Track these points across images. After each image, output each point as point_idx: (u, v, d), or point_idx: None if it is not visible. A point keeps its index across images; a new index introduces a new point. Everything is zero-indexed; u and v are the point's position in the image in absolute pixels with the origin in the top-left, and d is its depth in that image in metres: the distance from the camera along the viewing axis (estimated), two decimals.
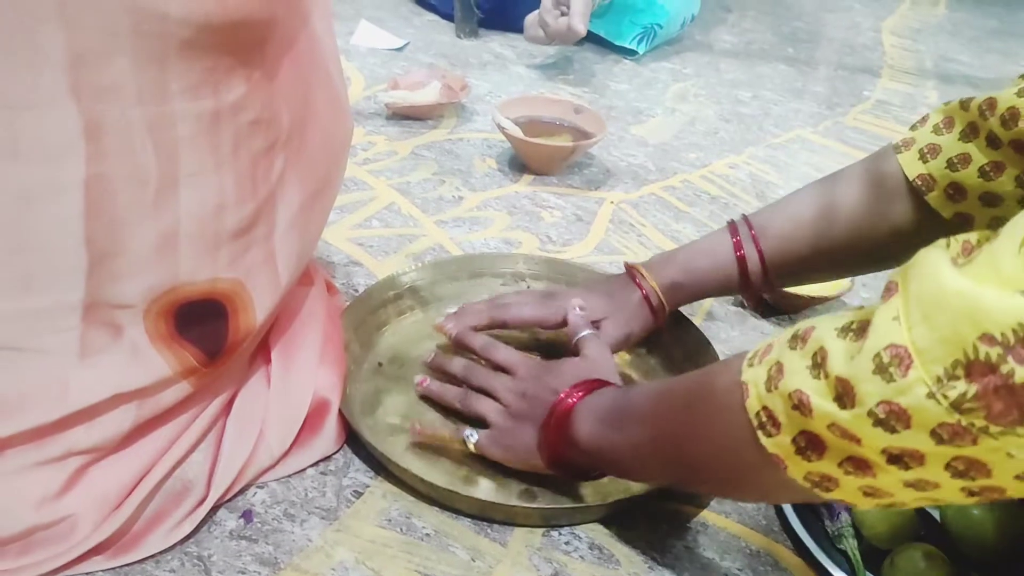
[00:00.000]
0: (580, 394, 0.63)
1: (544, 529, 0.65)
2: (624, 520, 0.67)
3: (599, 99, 1.42)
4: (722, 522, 0.68)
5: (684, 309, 0.87)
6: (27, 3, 0.45)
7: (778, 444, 0.45)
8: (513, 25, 1.55)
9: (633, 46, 1.57)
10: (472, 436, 0.68)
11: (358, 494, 0.66)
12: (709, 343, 0.80)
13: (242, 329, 0.61)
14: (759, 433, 0.46)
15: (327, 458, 0.69)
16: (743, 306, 0.93)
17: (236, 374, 0.66)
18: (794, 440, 0.44)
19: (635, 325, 0.78)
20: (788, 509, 0.66)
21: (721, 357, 0.78)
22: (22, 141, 0.48)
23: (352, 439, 0.70)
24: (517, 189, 1.12)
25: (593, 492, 0.68)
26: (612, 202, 1.11)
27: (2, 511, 0.54)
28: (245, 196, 0.57)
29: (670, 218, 1.09)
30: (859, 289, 0.98)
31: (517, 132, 1.13)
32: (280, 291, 0.63)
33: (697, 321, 0.86)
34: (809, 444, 0.44)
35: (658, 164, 1.23)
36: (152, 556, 0.59)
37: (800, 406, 0.43)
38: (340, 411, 0.69)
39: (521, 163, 1.17)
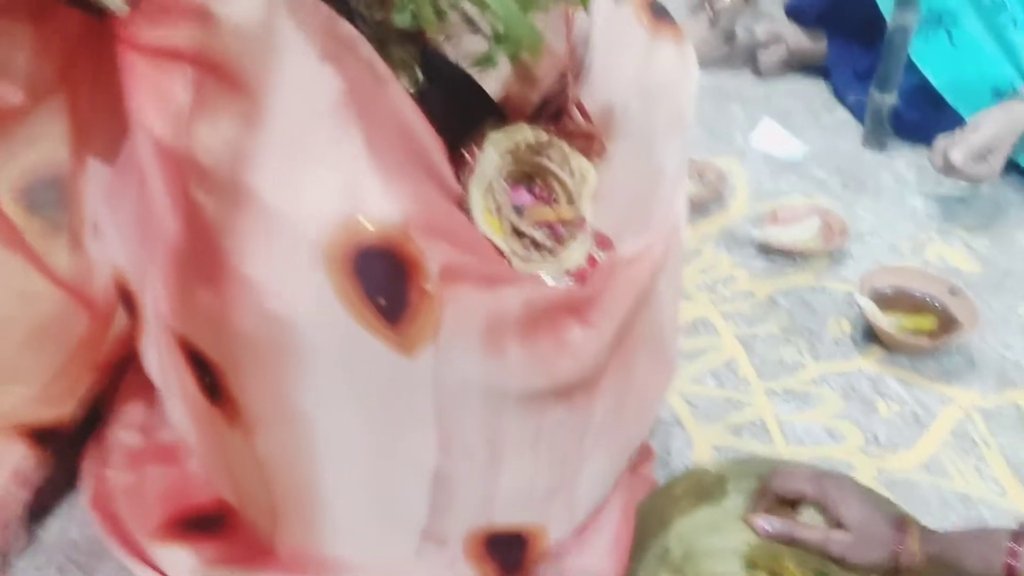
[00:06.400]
0: None
1: None
2: None
3: (997, 256, 1.29)
4: None
5: None
6: (406, 414, 0.62)
7: None
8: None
9: None
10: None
11: None
12: None
13: (537, 554, 0.75)
14: None
15: None
16: None
17: None
18: None
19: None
20: None
21: None
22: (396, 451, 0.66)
23: None
24: (861, 366, 1.10)
25: None
26: (961, 407, 1.05)
27: None
28: (553, 471, 0.70)
29: None
30: None
31: (875, 312, 1.12)
32: (574, 525, 0.76)
33: None
34: None
35: None
36: None
37: None
38: None
39: (875, 334, 1.15)
